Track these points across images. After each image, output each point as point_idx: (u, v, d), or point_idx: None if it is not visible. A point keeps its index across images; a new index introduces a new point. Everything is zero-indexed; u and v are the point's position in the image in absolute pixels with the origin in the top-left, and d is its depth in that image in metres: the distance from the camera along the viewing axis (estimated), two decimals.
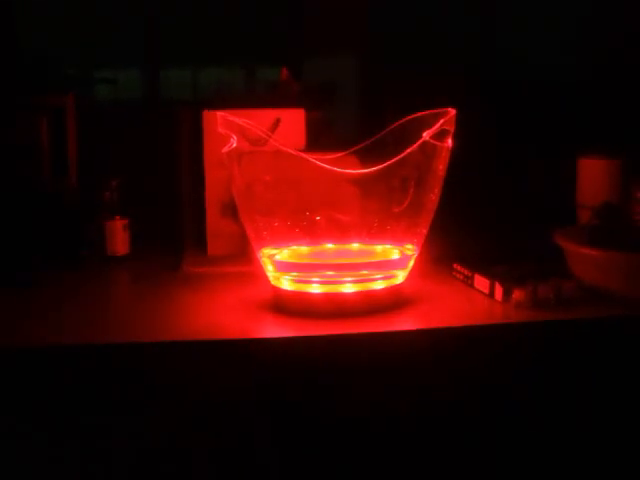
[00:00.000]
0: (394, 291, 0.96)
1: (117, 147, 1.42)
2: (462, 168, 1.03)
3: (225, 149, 0.93)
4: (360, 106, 1.58)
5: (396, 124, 0.99)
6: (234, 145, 0.92)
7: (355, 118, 1.58)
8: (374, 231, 0.94)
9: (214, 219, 1.21)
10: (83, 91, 1.49)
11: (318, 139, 1.20)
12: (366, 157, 0.98)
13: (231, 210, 1.17)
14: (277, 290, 0.96)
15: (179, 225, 1.27)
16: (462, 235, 1.21)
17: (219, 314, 0.94)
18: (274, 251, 0.96)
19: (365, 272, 0.94)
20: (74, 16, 1.54)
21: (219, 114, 0.93)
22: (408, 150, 0.90)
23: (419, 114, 0.95)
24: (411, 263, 0.97)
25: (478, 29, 1.53)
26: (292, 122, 1.19)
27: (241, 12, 1.57)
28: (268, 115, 1.18)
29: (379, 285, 0.94)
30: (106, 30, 1.55)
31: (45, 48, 1.52)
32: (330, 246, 0.97)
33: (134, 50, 1.59)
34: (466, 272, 1.05)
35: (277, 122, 1.17)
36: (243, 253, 1.13)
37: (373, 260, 0.96)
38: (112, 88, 1.57)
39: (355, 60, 1.59)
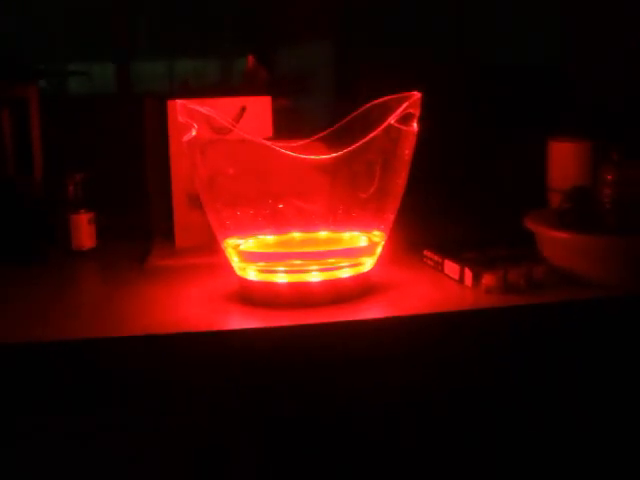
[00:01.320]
0: (363, 279, 0.94)
1: (86, 140, 1.41)
2: (431, 153, 1.02)
3: (185, 138, 0.91)
4: (333, 93, 1.57)
5: (361, 109, 0.98)
6: (194, 134, 0.90)
7: (328, 105, 1.57)
8: (340, 218, 0.93)
9: (181, 211, 1.19)
10: (54, 83, 1.48)
11: (285, 127, 1.19)
12: (335, 144, 0.97)
13: (199, 201, 1.15)
14: (243, 281, 0.94)
15: (147, 218, 1.26)
16: (433, 221, 1.20)
17: (185, 307, 0.92)
18: (239, 241, 0.94)
19: (332, 260, 0.92)
20: (46, 7, 1.52)
21: (179, 102, 0.91)
22: (372, 134, 0.88)
23: (384, 99, 0.94)
24: (379, 250, 0.96)
25: (447, 13, 1.52)
26: (259, 110, 1.18)
27: (215, 2, 1.55)
28: (234, 104, 1.16)
29: (347, 273, 0.93)
30: (78, 22, 1.52)
31: (14, 39, 1.50)
32: (297, 235, 0.95)
33: (106, 42, 1.56)
34: (436, 258, 1.04)
35: (242, 111, 1.15)
36: (211, 244, 1.11)
37: (340, 248, 0.95)
38: (85, 81, 1.55)
39: (328, 47, 1.58)
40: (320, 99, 1.58)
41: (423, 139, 0.95)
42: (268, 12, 1.52)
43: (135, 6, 1.54)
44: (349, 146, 0.89)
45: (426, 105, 0.94)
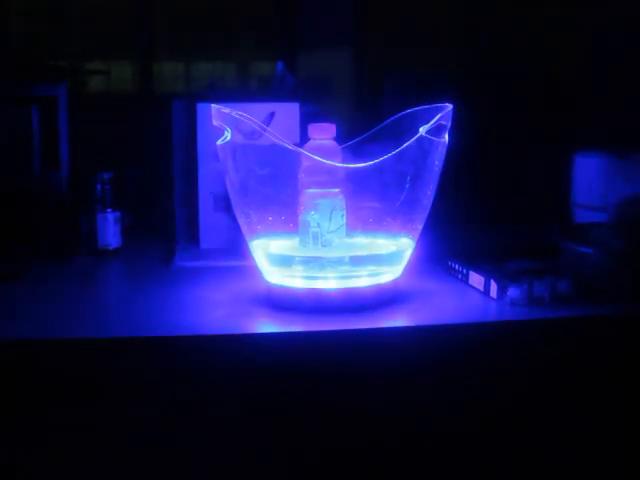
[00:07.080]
0: (388, 287, 0.95)
1: (110, 139, 1.42)
2: (459, 164, 1.03)
3: (219, 142, 0.92)
4: (357, 100, 1.58)
5: (392, 119, 0.98)
6: (228, 138, 0.91)
7: (352, 112, 1.58)
8: (369, 226, 0.93)
9: (207, 212, 1.21)
10: (76, 82, 1.49)
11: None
12: (361, 151, 0.97)
13: (224, 203, 1.16)
14: (270, 285, 0.95)
15: (172, 218, 1.27)
16: (458, 232, 1.21)
17: (210, 308, 0.93)
18: (267, 245, 0.95)
19: (358, 267, 0.93)
20: (68, 7, 1.53)
21: (213, 106, 0.92)
22: (405, 145, 0.89)
23: (416, 109, 0.95)
24: (406, 259, 0.96)
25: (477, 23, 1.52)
26: (286, 116, 1.18)
27: (236, 5, 1.56)
28: (262, 109, 1.17)
29: (372, 281, 0.93)
30: (99, 21, 1.53)
31: (38, 38, 1.51)
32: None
33: (127, 42, 1.58)
34: (461, 269, 1.04)
35: (271, 116, 1.16)
36: (236, 247, 1.12)
37: (366, 254, 0.95)
38: (105, 80, 1.56)
39: (352, 53, 1.58)
40: (343, 106, 1.59)
41: (452, 150, 0.95)
42: (290, 16, 1.52)
43: (154, 6, 1.55)
44: (374, 154, 0.90)
45: (455, 116, 0.94)
